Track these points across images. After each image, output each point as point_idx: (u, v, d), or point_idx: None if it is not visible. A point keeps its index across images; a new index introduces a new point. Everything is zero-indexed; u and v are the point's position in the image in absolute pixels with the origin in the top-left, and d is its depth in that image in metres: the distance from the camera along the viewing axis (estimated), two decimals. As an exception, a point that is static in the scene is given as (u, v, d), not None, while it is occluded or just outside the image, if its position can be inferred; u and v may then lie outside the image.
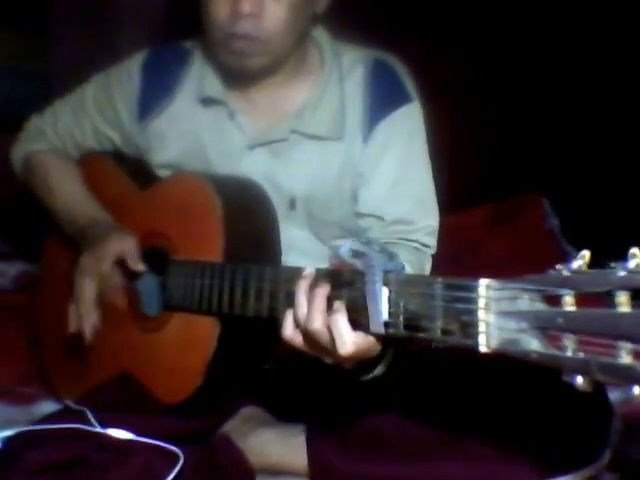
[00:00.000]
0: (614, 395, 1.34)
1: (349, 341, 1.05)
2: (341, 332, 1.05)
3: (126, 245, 1.48)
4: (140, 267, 1.48)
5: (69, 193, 1.64)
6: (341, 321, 1.06)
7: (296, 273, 1.18)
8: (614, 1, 2.76)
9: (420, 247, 1.52)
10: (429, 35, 2.75)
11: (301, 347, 1.15)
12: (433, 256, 1.55)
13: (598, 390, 1.32)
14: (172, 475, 1.26)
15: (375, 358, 1.14)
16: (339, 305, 1.07)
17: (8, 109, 2.37)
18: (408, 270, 1.33)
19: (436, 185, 1.58)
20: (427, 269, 1.52)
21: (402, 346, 1.21)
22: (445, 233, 1.59)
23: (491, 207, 2.94)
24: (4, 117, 2.24)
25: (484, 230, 2.81)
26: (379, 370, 1.18)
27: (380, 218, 1.52)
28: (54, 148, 1.72)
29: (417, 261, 1.48)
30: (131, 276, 1.52)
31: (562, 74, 2.94)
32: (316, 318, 1.08)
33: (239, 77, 1.51)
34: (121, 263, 1.48)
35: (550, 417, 1.29)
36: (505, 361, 1.32)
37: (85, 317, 1.47)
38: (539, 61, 2.96)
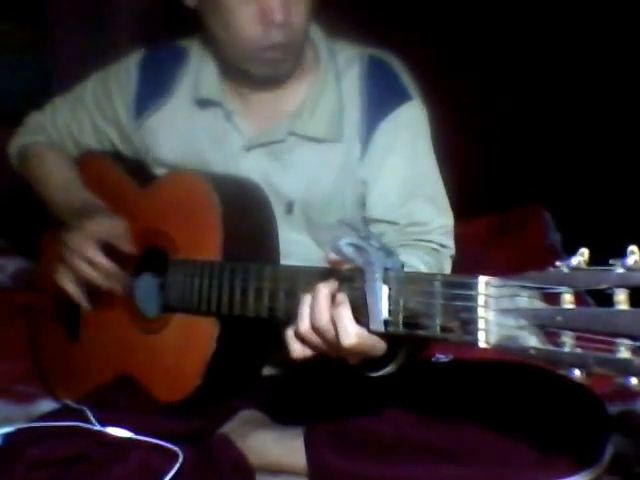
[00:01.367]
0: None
1: (352, 333, 1.05)
2: (345, 324, 1.05)
3: (115, 228, 1.49)
4: (131, 248, 1.49)
5: (62, 182, 1.65)
6: (345, 314, 1.05)
7: (296, 272, 1.19)
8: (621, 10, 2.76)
9: (438, 247, 1.49)
10: (433, 39, 2.76)
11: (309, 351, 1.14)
12: (452, 257, 1.51)
13: (595, 395, 1.33)
14: (171, 473, 1.26)
15: (386, 357, 1.13)
16: (342, 297, 1.06)
17: (7, 102, 2.39)
18: (426, 271, 1.33)
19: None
20: (447, 270, 1.48)
21: (416, 349, 1.21)
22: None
23: (492, 219, 2.94)
24: (3, 110, 2.25)
25: (485, 242, 2.81)
26: (391, 368, 1.17)
27: (393, 223, 1.49)
28: (51, 142, 1.73)
29: (435, 262, 1.44)
30: (126, 263, 1.52)
31: (566, 83, 2.94)
32: (323, 317, 1.07)
33: (263, 83, 1.51)
34: (112, 250, 1.48)
35: (550, 419, 1.29)
36: (505, 364, 1.35)
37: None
38: (542, 71, 2.96)
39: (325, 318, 1.07)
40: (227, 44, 1.45)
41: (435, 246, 1.48)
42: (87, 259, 1.47)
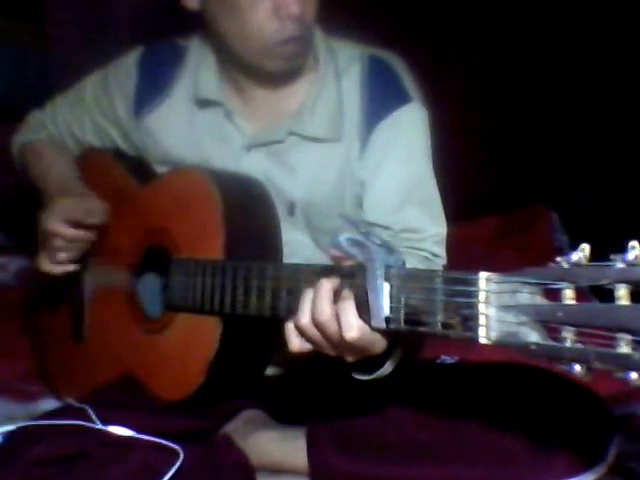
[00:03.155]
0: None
1: (355, 326, 1.05)
2: (349, 317, 1.05)
3: (82, 203, 1.51)
4: (95, 221, 1.52)
5: (59, 179, 1.64)
6: (349, 307, 1.05)
7: (298, 270, 1.18)
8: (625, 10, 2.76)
9: (430, 257, 1.48)
10: (436, 40, 2.76)
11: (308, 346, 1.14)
12: (444, 267, 1.50)
13: (598, 397, 1.33)
14: (172, 471, 1.25)
15: (381, 356, 1.13)
16: (348, 293, 1.07)
17: (7, 99, 2.40)
18: None
19: (442, 195, 1.54)
20: None
21: (411, 348, 1.21)
22: (451, 244, 1.55)
23: (498, 220, 2.93)
24: (3, 107, 2.27)
25: (491, 243, 2.80)
26: (387, 368, 1.16)
27: (387, 228, 1.48)
28: (52, 139, 1.74)
29: None
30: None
31: (571, 83, 2.94)
32: (324, 311, 1.07)
33: (265, 82, 1.51)
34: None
35: (553, 420, 1.28)
36: (510, 366, 1.35)
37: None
38: (546, 71, 2.96)
39: (327, 312, 1.07)
40: (240, 42, 1.44)
41: (427, 255, 1.48)
42: (54, 233, 1.47)
